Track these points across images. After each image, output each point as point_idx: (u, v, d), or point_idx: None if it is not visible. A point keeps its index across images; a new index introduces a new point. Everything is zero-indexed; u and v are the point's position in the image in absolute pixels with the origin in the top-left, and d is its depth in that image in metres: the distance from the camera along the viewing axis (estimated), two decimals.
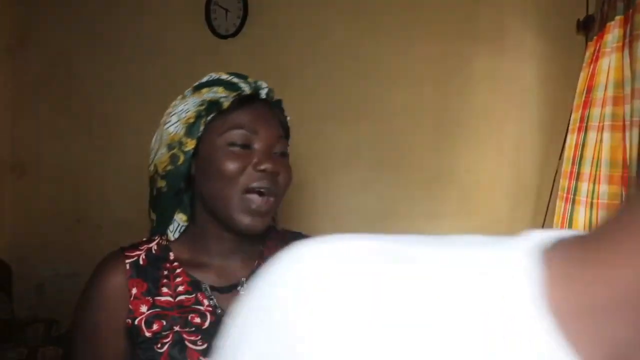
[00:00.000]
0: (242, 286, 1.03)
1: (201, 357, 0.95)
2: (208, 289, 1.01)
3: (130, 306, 0.97)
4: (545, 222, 2.03)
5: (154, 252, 1.03)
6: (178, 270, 1.01)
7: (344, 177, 2.43)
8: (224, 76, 1.03)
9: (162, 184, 1.02)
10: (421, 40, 2.29)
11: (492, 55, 2.17)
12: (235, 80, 1.02)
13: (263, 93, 1.05)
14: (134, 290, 0.97)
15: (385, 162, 2.36)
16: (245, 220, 0.96)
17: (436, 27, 2.26)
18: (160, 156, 1.01)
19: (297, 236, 1.14)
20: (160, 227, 1.06)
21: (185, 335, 0.96)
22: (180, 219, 1.04)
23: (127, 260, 1.00)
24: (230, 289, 1.02)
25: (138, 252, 1.02)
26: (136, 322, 0.96)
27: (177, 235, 1.05)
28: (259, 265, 1.05)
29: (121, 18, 2.95)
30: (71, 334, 1.00)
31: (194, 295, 0.99)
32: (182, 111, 1.00)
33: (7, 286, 2.89)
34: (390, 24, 2.34)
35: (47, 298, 3.15)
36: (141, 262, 1.01)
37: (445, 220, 2.26)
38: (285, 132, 1.07)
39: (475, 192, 2.23)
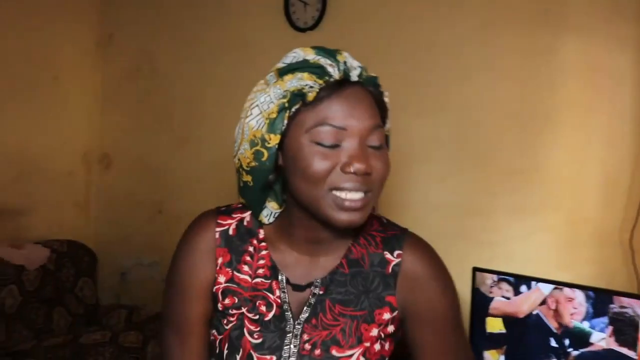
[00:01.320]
0: (315, 287, 0.97)
1: (252, 351, 0.93)
2: (284, 280, 0.98)
3: (216, 274, 0.99)
4: (637, 220, 1.91)
5: (245, 224, 1.02)
6: (264, 252, 1.00)
7: (422, 170, 2.38)
8: (310, 55, 0.91)
9: (247, 178, 0.96)
10: (504, 28, 2.20)
11: (581, 43, 2.06)
12: (322, 61, 0.89)
13: (354, 75, 0.92)
14: (220, 260, 0.99)
15: (465, 155, 2.29)
16: (341, 216, 0.88)
17: (520, 14, 2.17)
18: (243, 152, 0.94)
19: (392, 239, 1.02)
20: (252, 211, 1.03)
21: (246, 322, 0.95)
22: (272, 207, 1.00)
23: (218, 229, 1.01)
24: (304, 288, 0.98)
25: (230, 221, 1.02)
26: (214, 290, 0.99)
27: (271, 220, 1.02)
28: (340, 267, 0.99)
29: (202, 14, 3.01)
30: (166, 288, 1.06)
31: (269, 281, 0.97)
32: (263, 103, 0.91)
33: (92, 273, 3.02)
34: (470, 12, 2.27)
35: (130, 285, 3.27)
36: (231, 232, 1.01)
37: (527, 217, 2.17)
38: (383, 113, 0.96)
39: (561, 187, 2.12)
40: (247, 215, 1.03)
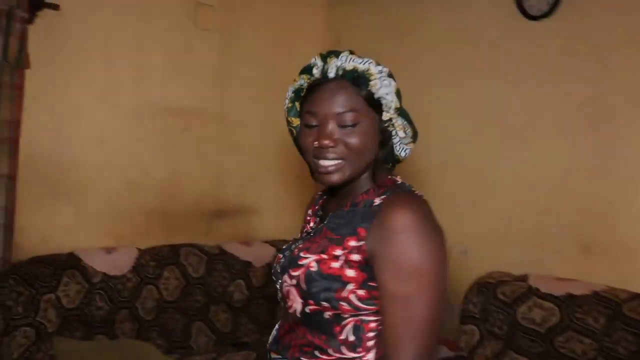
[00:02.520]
0: (328, 220, 1.23)
1: (279, 254, 1.28)
2: (319, 216, 1.30)
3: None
4: None
5: (328, 189, 1.33)
6: (321, 200, 1.35)
7: None
8: (312, 61, 1.19)
9: (296, 147, 1.28)
10: None
11: None
12: (313, 64, 1.19)
13: (332, 73, 1.16)
14: (310, 211, 1.36)
15: None
16: (321, 178, 1.17)
17: None
18: (288, 129, 1.29)
19: (389, 191, 1.17)
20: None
21: (291, 242, 1.30)
22: None
23: (317, 195, 1.38)
24: (323, 220, 1.25)
25: (323, 190, 1.36)
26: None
27: None
28: (344, 206, 1.21)
29: (427, 9, 2.90)
30: None
31: (310, 218, 1.33)
32: (287, 97, 1.24)
33: None
34: None
35: None
36: (317, 196, 1.38)
37: None
38: (370, 100, 1.16)
39: None
40: None
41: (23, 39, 2.27)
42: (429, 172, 2.88)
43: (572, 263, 2.33)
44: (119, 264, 2.43)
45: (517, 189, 2.54)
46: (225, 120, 2.98)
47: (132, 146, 2.68)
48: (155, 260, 2.53)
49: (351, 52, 1.18)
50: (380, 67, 1.19)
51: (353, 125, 1.14)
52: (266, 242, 3.00)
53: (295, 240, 1.27)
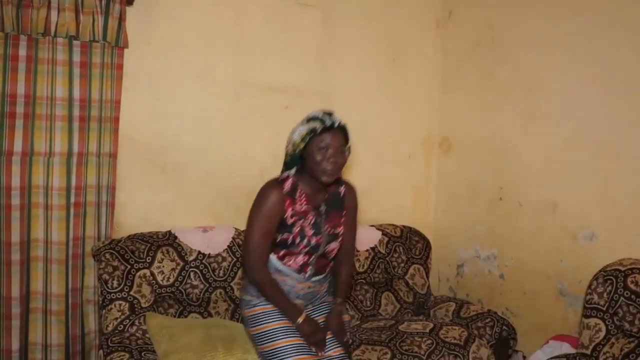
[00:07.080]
0: (322, 207, 1.99)
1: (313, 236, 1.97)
2: (312, 205, 1.98)
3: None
4: None
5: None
6: (304, 196, 1.97)
7: None
8: (319, 115, 1.89)
9: (287, 159, 1.95)
10: None
11: None
12: (323, 118, 1.87)
13: (336, 124, 1.88)
14: (297, 205, 1.98)
15: None
16: (323, 179, 1.89)
17: None
18: (290, 148, 1.92)
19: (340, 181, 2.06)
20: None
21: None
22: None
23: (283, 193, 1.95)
24: (318, 208, 1.99)
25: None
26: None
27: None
28: (327, 195, 2.02)
29: None
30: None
31: (301, 209, 1.96)
32: (300, 131, 1.88)
33: (425, 261, 2.84)
34: None
35: (465, 279, 2.99)
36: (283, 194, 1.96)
37: None
38: (346, 141, 1.92)
39: None
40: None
41: (122, 19, 2.32)
42: (551, 147, 2.56)
43: None
44: (214, 242, 2.40)
45: None
46: (327, 97, 2.86)
47: (231, 125, 2.65)
48: None
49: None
50: None
51: (343, 152, 1.93)
52: (372, 225, 2.85)
53: (314, 225, 1.95)
